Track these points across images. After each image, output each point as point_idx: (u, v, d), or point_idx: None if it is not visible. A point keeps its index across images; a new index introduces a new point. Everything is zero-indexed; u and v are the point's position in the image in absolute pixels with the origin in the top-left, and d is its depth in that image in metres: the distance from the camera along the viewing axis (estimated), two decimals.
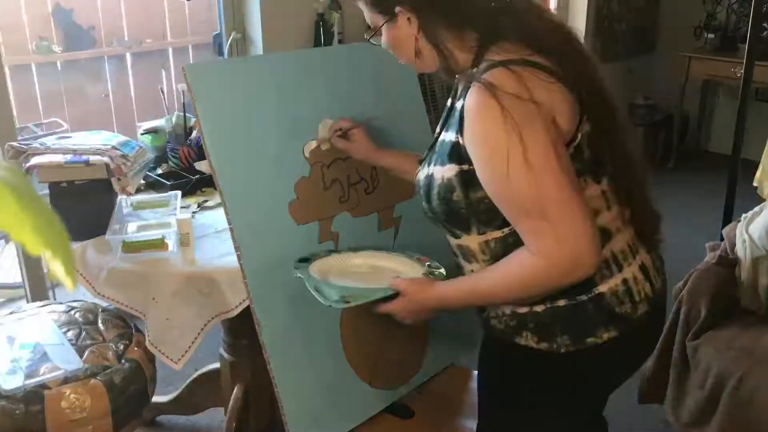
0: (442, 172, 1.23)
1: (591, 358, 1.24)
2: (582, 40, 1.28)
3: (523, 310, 1.24)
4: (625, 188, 1.25)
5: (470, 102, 1.14)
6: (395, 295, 1.35)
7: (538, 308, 1.23)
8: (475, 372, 1.91)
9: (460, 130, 1.19)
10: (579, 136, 1.17)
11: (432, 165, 1.27)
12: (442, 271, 1.45)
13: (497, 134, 1.10)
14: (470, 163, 1.18)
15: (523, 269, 1.16)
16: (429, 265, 1.49)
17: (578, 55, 1.24)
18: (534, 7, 1.25)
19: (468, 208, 1.21)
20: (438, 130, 1.33)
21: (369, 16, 1.31)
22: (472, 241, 1.25)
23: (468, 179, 1.19)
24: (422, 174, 1.30)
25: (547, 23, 1.24)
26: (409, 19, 1.24)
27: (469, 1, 1.22)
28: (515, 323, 1.26)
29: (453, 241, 1.31)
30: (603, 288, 1.22)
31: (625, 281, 1.23)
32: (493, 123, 1.10)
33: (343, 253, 1.59)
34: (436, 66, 1.28)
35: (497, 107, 1.09)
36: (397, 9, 1.24)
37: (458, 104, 1.22)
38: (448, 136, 1.24)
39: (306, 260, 1.51)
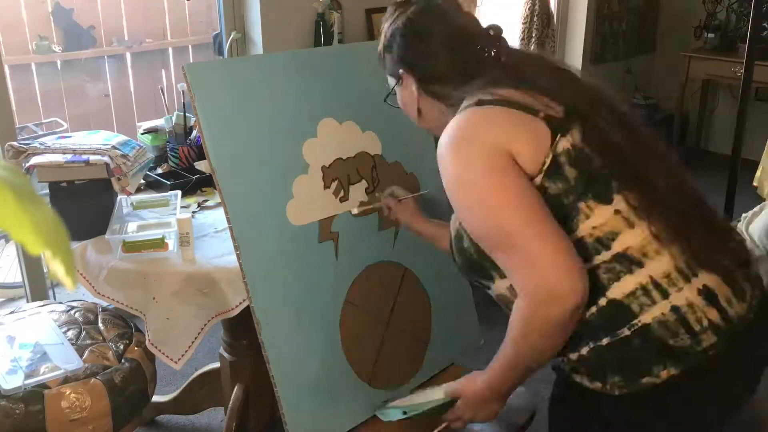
0: (453, 222, 1.28)
1: (651, 400, 1.14)
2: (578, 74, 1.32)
3: (574, 355, 1.18)
4: (651, 199, 1.14)
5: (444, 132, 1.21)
6: (451, 403, 1.38)
7: (584, 351, 1.16)
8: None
9: None
10: (548, 160, 1.12)
11: (452, 219, 1.31)
12: None
13: (451, 174, 1.16)
14: None
15: (516, 316, 1.14)
16: None
17: (572, 82, 1.28)
18: (526, 56, 1.34)
19: (477, 253, 1.20)
20: None
21: (388, 79, 1.41)
22: (500, 287, 1.22)
23: None
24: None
25: (539, 64, 1.32)
26: (410, 79, 1.33)
27: (460, 58, 1.28)
28: (570, 365, 1.21)
29: (491, 294, 1.28)
30: (646, 318, 1.10)
31: (675, 309, 1.10)
32: (447, 165, 1.17)
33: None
34: (436, 123, 1.32)
35: (449, 150, 1.17)
36: (401, 71, 1.34)
37: None
38: None
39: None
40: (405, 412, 1.51)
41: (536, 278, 1.07)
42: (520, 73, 1.24)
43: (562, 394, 1.30)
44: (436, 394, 1.45)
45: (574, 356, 1.18)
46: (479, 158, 1.13)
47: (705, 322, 1.11)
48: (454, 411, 1.37)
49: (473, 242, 1.20)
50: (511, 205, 1.10)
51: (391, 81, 1.39)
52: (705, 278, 1.13)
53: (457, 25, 1.31)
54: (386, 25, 1.37)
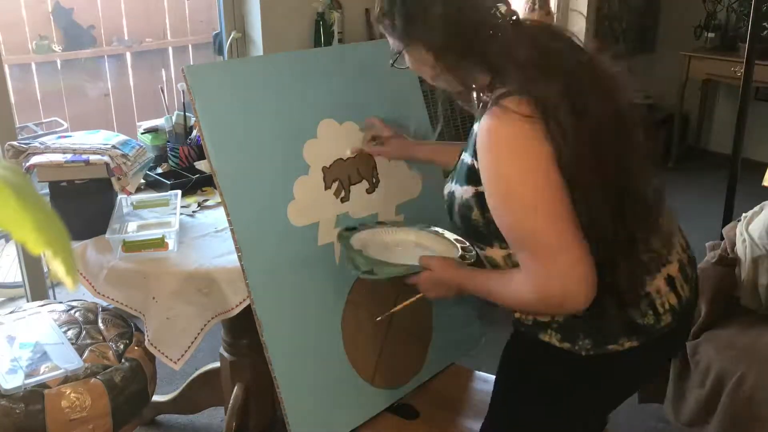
0: (461, 192, 1.29)
1: (610, 363, 1.27)
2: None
3: (546, 318, 1.28)
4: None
5: (483, 126, 1.17)
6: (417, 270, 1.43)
7: (561, 318, 1.26)
8: (476, 372, 1.91)
9: (474, 154, 1.23)
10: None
11: (454, 183, 1.33)
12: (474, 254, 1.48)
13: (502, 162, 1.16)
14: None
15: (519, 295, 1.22)
16: (463, 248, 1.52)
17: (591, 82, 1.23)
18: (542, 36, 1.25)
19: (486, 226, 1.26)
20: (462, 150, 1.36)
21: (391, 41, 1.35)
22: (495, 254, 1.30)
23: (484, 201, 1.23)
24: (446, 190, 1.36)
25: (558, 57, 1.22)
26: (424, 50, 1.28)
27: (479, 41, 1.22)
28: (540, 322, 1.29)
29: (480, 253, 1.36)
30: None
31: (647, 295, 1.25)
32: (500, 150, 1.16)
33: (389, 227, 1.67)
34: (456, 87, 1.32)
35: (508, 134, 1.14)
36: (406, 44, 1.30)
37: (475, 127, 1.26)
38: (466, 157, 1.29)
39: (353, 229, 1.60)
40: (371, 271, 1.44)
41: (554, 287, 1.15)
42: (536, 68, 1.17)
43: (523, 353, 1.37)
44: (408, 257, 1.49)
45: (546, 318, 1.28)
46: (536, 155, 1.13)
47: (667, 306, 1.27)
48: (416, 278, 1.42)
49: (484, 217, 1.25)
50: (550, 212, 1.13)
51: (394, 42, 1.33)
52: (670, 267, 1.29)
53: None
54: None
